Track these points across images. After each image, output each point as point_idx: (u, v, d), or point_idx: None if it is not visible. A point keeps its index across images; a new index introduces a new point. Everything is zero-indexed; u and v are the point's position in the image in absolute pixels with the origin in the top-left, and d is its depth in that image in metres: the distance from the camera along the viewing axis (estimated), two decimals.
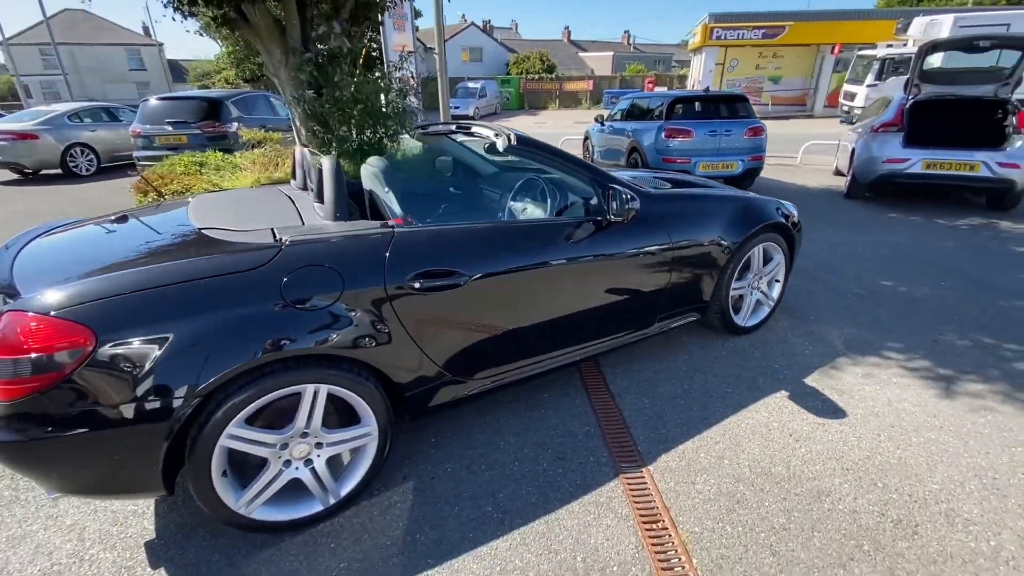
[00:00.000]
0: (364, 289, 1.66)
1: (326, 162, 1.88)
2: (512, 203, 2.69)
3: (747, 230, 2.67)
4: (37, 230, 2.04)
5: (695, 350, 2.83)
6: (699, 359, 2.74)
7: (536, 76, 29.44)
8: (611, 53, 43.63)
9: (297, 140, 6.25)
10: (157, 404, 1.40)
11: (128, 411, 1.39)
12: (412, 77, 5.90)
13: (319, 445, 1.70)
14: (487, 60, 35.58)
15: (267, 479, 1.63)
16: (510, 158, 3.37)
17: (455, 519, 1.74)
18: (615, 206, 2.10)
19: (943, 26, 15.87)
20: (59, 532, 1.78)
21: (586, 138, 10.02)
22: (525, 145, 2.10)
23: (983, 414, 2.23)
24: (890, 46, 17.97)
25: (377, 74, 5.82)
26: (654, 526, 1.68)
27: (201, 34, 6.63)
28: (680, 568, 1.53)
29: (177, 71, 36.11)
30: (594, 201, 2.30)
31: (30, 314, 1.34)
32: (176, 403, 1.41)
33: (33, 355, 1.32)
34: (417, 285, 1.74)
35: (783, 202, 3.00)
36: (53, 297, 1.38)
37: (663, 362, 2.72)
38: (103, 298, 1.39)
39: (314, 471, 1.71)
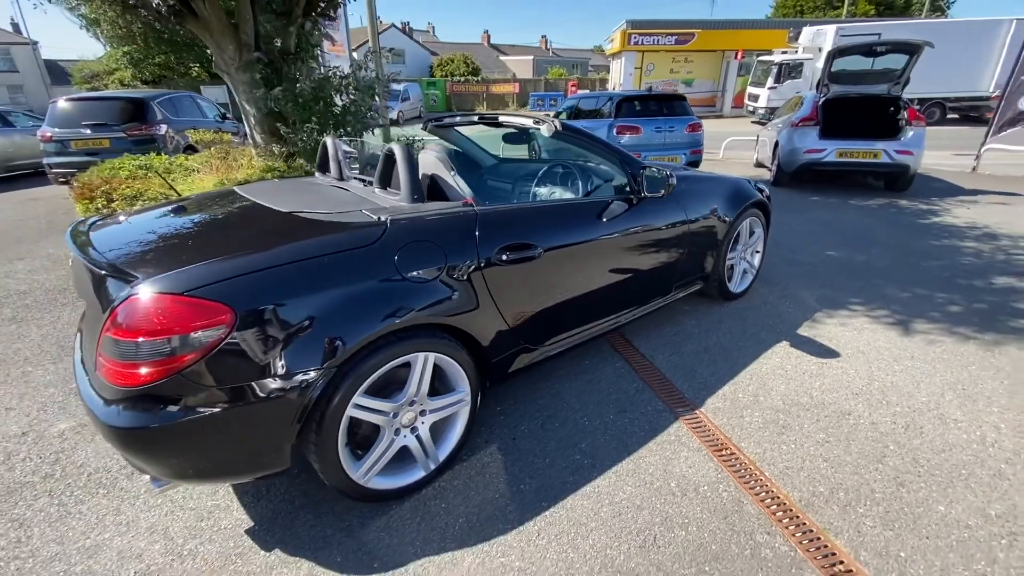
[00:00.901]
0: (462, 262, 1.79)
1: (398, 148, 1.97)
2: (537, 188, 2.89)
3: (739, 207, 3.07)
4: (83, 224, 1.95)
5: (698, 316, 3.19)
6: (705, 323, 3.10)
7: (462, 79, 29.64)
8: (531, 57, 44.86)
9: (251, 141, 6.00)
10: (296, 378, 1.45)
11: (268, 386, 1.42)
12: (380, 77, 5.87)
13: (423, 412, 1.80)
14: (409, 62, 35.23)
15: (382, 448, 1.71)
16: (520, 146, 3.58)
17: (549, 468, 1.91)
18: (654, 184, 2.37)
19: (827, 35, 18.21)
20: (139, 535, 1.72)
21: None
22: (568, 131, 2.32)
23: (937, 345, 2.77)
24: (784, 53, 20.21)
25: (333, 72, 5.74)
26: (723, 452, 1.96)
27: (88, 30, 5.84)
28: (756, 481, 1.81)
29: (57, 72, 32.12)
30: (616, 182, 2.54)
31: (168, 295, 1.34)
32: (313, 375, 1.47)
33: (173, 336, 1.32)
34: (504, 257, 1.89)
35: (758, 182, 3.46)
36: (186, 277, 1.38)
37: (677, 327, 3.04)
38: (237, 276, 1.41)
39: (419, 438, 1.80)
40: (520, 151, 3.85)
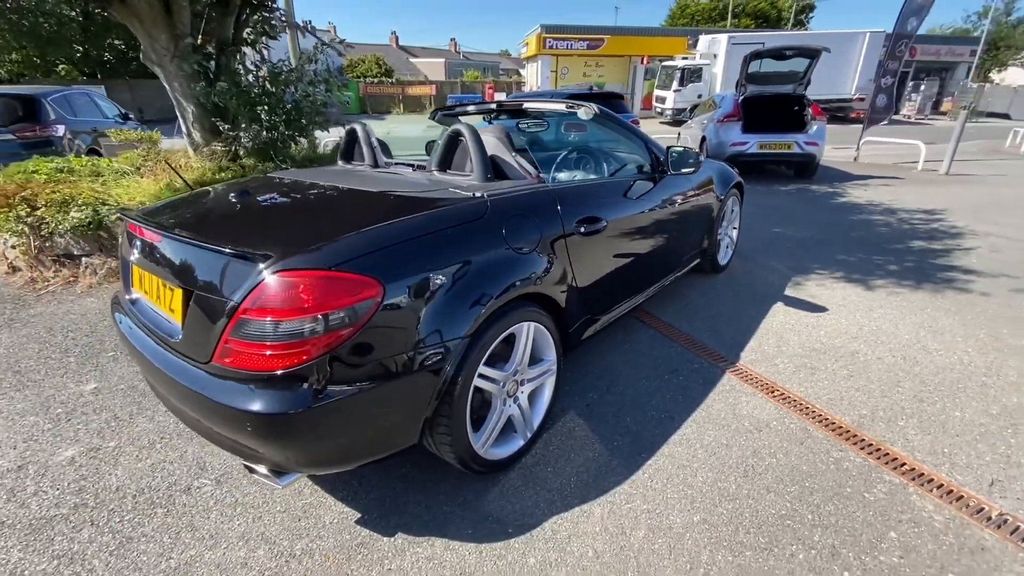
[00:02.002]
0: (552, 234, 1.88)
1: (467, 129, 2.01)
2: (558, 172, 3.02)
3: (727, 186, 3.44)
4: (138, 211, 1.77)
5: (699, 289, 3.51)
6: (708, 294, 3.42)
7: (376, 80, 28.90)
8: (443, 60, 44.82)
9: (188, 139, 5.50)
10: (438, 349, 1.46)
11: (413, 359, 1.42)
12: (331, 73, 5.64)
13: (521, 382, 1.86)
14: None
15: (496, 417, 1.75)
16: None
17: (634, 425, 2.06)
18: (684, 161, 2.60)
19: (721, 43, 20.26)
20: (233, 546, 1.61)
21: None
22: (603, 116, 2.49)
23: (896, 295, 3.32)
24: (685, 59, 22.14)
25: (279, 64, 5.45)
26: (775, 393, 2.23)
27: None
28: (811, 412, 2.10)
29: None
30: (636, 162, 2.76)
31: (318, 270, 1.29)
32: (452, 345, 1.48)
33: (327, 312, 1.28)
34: (582, 230, 2.01)
35: (731, 167, 3.87)
36: (331, 251, 1.34)
37: (684, 300, 3.33)
38: (377, 250, 1.39)
39: (519, 407, 1.86)
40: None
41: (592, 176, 2.90)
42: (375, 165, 2.44)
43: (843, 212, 5.82)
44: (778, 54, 7.77)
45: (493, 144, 2.16)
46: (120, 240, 1.93)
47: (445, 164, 2.11)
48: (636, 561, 1.48)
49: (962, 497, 1.65)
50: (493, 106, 3.00)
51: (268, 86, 5.20)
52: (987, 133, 15.64)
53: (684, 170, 2.64)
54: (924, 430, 1.97)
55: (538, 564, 1.49)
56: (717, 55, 20.71)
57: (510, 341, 1.76)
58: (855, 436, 1.95)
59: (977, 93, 23.53)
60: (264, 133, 5.22)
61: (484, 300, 1.56)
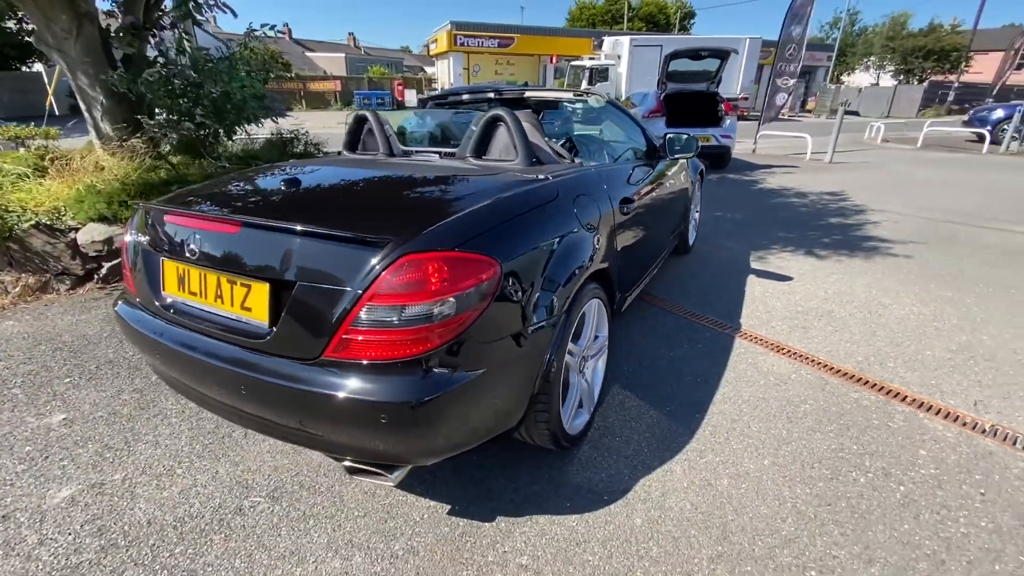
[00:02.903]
0: (606, 213, 1.96)
1: (507, 114, 2.02)
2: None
3: (695, 172, 3.75)
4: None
5: (676, 268, 3.79)
6: (686, 272, 3.71)
7: (273, 75, 26.94)
8: (342, 55, 42.93)
9: (95, 135, 4.82)
10: (542, 327, 1.48)
11: (526, 338, 1.43)
12: (273, 58, 5.21)
13: (586, 357, 1.92)
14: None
15: (574, 393, 1.80)
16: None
17: (678, 390, 2.21)
18: (687, 146, 2.80)
19: (624, 44, 21.55)
20: (323, 559, 1.51)
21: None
22: (612, 105, 2.63)
23: (840, 263, 3.84)
24: (592, 59, 23.26)
25: (206, 52, 4.96)
26: (783, 351, 2.51)
27: None
28: (819, 363, 2.40)
29: None
30: (633, 148, 2.94)
31: (446, 252, 1.26)
32: (553, 323, 1.52)
33: (457, 294, 1.25)
34: (624, 210, 2.12)
35: None
36: (453, 232, 1.31)
37: (669, 279, 3.58)
38: (489, 229, 1.38)
39: (586, 381, 1.92)
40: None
41: (604, 160, 3.03)
42: (391, 154, 2.36)
43: (765, 196, 6.53)
44: (694, 54, 8.48)
45: (528, 130, 2.19)
46: (131, 239, 1.70)
47: (481, 150, 2.11)
48: (731, 506, 1.62)
49: (959, 417, 2.00)
50: (491, 95, 3.00)
51: (195, 74, 4.71)
52: (846, 128, 18.23)
53: (685, 155, 2.85)
54: (910, 368, 2.35)
55: (645, 523, 1.57)
56: (621, 56, 21.99)
57: (579, 318, 1.81)
58: (861, 379, 2.26)
59: (835, 93, 27.34)
60: (191, 126, 4.73)
61: (574, 278, 1.61)
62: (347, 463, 1.43)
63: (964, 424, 1.96)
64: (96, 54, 4.39)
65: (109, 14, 4.79)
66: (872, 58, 36.36)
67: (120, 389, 2.36)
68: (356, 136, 2.46)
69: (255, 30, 5.09)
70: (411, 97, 31.31)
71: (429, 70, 45.68)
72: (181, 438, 2.03)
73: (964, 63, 26.10)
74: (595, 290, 1.86)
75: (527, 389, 1.51)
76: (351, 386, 1.24)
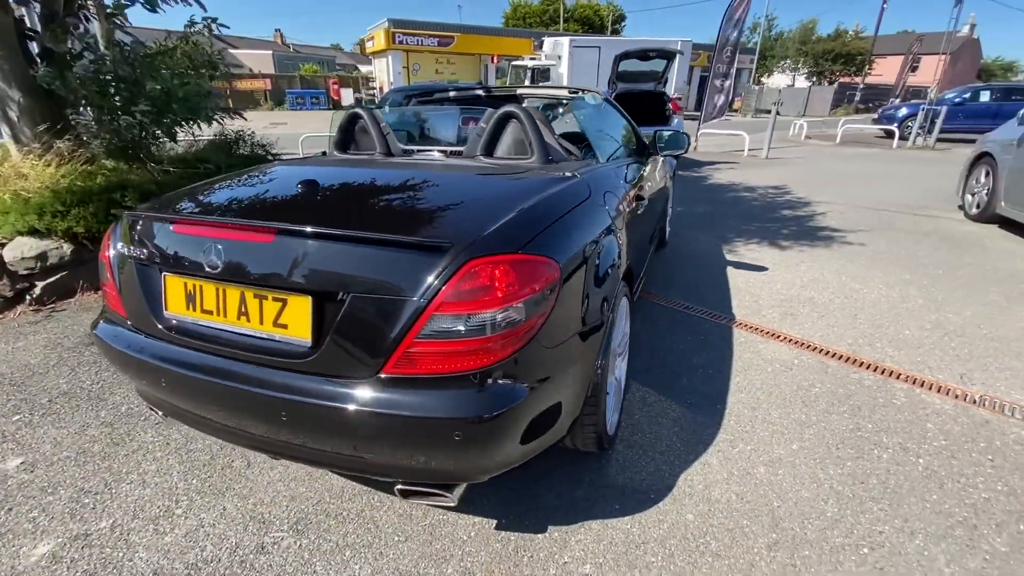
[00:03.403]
0: (623, 209, 1.95)
1: (522, 111, 1.96)
2: None
3: (672, 168, 3.85)
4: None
5: (653, 263, 3.86)
6: (665, 266, 3.80)
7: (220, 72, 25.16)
8: (269, 52, 40.83)
9: (11, 137, 4.26)
10: (595, 328, 1.45)
11: (582, 341, 1.39)
12: (213, 57, 4.79)
13: (615, 356, 1.91)
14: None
15: (612, 393, 1.77)
16: None
17: (694, 383, 2.25)
18: (676, 142, 2.85)
19: (564, 45, 21.93)
20: None
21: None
22: (607, 102, 2.63)
23: (804, 252, 4.08)
24: (533, 59, 23.50)
25: (143, 46, 4.52)
26: (780, 337, 2.63)
27: None
28: (815, 348, 2.52)
29: None
30: (627, 143, 2.98)
31: (512, 255, 1.19)
32: (601, 323, 1.48)
33: (527, 298, 1.19)
34: (635, 204, 2.12)
35: None
36: (513, 235, 1.24)
37: (652, 272, 3.64)
38: (544, 229, 1.32)
39: (616, 379, 1.91)
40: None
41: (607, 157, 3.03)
42: (388, 154, 2.23)
43: (718, 191, 6.85)
44: (643, 55, 8.76)
45: (542, 127, 2.14)
46: (114, 253, 1.50)
47: (492, 148, 2.04)
48: (773, 492, 1.65)
49: (950, 390, 2.17)
50: (480, 92, 2.92)
51: (131, 69, 4.27)
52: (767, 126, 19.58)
53: (675, 151, 2.91)
54: (896, 347, 2.52)
55: (696, 518, 1.58)
56: (561, 56, 22.36)
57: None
58: (856, 360, 2.40)
59: (758, 94, 29.25)
60: (134, 125, 4.29)
61: (614, 275, 1.59)
62: (400, 487, 1.32)
63: (957, 396, 2.13)
64: (10, 47, 3.88)
65: (21, 2, 4.25)
66: (788, 61, 39.26)
67: (84, 424, 2.09)
68: (348, 135, 2.31)
69: (196, 23, 4.70)
70: (348, 96, 30.31)
71: (364, 68, 44.41)
72: (172, 474, 1.82)
73: (867, 66, 28.76)
74: (624, 287, 1.85)
75: (582, 394, 1.47)
76: (420, 403, 1.15)
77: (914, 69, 28.17)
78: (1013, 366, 2.37)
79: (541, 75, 22.25)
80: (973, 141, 4.85)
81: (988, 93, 14.54)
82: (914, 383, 2.23)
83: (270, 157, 5.45)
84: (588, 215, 1.58)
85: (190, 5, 4.37)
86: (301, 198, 1.51)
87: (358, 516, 1.63)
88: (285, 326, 1.25)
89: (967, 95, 14.56)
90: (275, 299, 1.25)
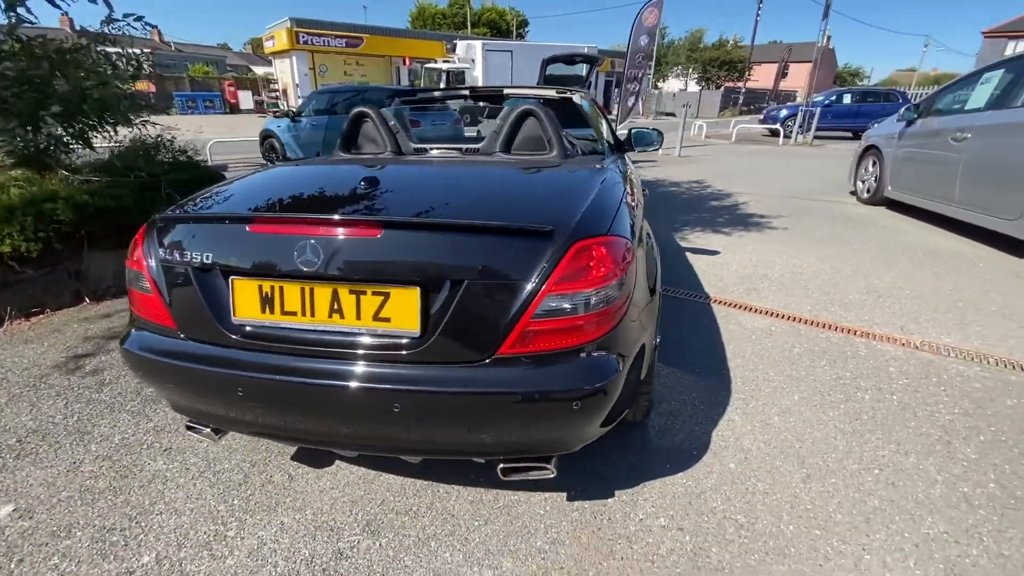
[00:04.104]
0: (639, 196, 2.13)
1: (539, 109, 2.07)
2: None
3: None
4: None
5: None
6: None
7: (146, 71, 22.15)
8: (148, 51, 36.89)
9: None
10: (652, 303, 1.60)
11: (650, 315, 1.55)
12: (135, 56, 4.31)
13: None
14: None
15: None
16: None
17: (697, 357, 2.49)
18: (646, 139, 3.08)
19: (477, 48, 22.16)
20: (468, 572, 1.47)
21: (267, 136, 9.29)
22: (592, 101, 2.81)
23: (744, 236, 4.57)
24: (447, 62, 23.48)
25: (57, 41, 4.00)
26: (753, 310, 2.97)
27: None
28: (786, 316, 2.88)
29: None
30: (608, 141, 3.19)
31: (606, 236, 1.30)
32: (656, 295, 1.65)
33: (621, 276, 1.31)
34: (639, 193, 2.32)
35: None
36: (599, 217, 1.36)
37: None
38: (615, 214, 1.45)
39: None
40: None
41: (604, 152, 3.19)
42: (399, 153, 2.24)
43: (649, 187, 7.38)
44: (568, 59, 9.17)
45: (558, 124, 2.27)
46: (155, 261, 1.40)
47: (510, 145, 2.13)
48: (792, 436, 1.91)
49: (897, 339, 2.61)
50: (466, 92, 2.97)
51: (43, 66, 3.77)
52: (673, 127, 21.27)
53: (649, 148, 3.16)
54: (846, 310, 2.96)
55: (738, 466, 1.79)
56: (475, 59, 22.57)
57: None
58: (819, 323, 2.80)
59: (657, 97, 31.52)
60: (31, 131, 3.80)
61: (652, 256, 1.76)
62: (502, 466, 1.39)
63: (903, 344, 2.57)
64: None
65: None
66: (679, 67, 42.76)
67: (75, 461, 1.89)
68: (354, 135, 2.27)
69: (115, 20, 4.24)
70: (247, 99, 28.25)
71: (261, 70, 41.63)
72: (206, 498, 1.71)
73: (747, 72, 32.19)
74: None
75: (648, 364, 1.62)
76: (542, 378, 1.23)
77: (784, 75, 31.99)
78: (935, 317, 2.89)
79: (456, 78, 22.32)
80: (841, 138, 5.77)
81: (849, 96, 16.95)
82: (869, 337, 2.65)
83: (204, 165, 5.06)
84: (628, 203, 1.73)
85: (95, 3, 3.94)
86: (376, 193, 1.51)
87: (429, 509, 1.65)
88: (388, 319, 1.27)
89: (833, 98, 16.85)
90: (375, 293, 1.26)
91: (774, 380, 2.27)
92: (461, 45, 23.21)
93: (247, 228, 1.30)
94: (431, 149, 2.35)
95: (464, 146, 2.39)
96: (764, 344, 2.58)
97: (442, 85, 22.12)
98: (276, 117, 9.18)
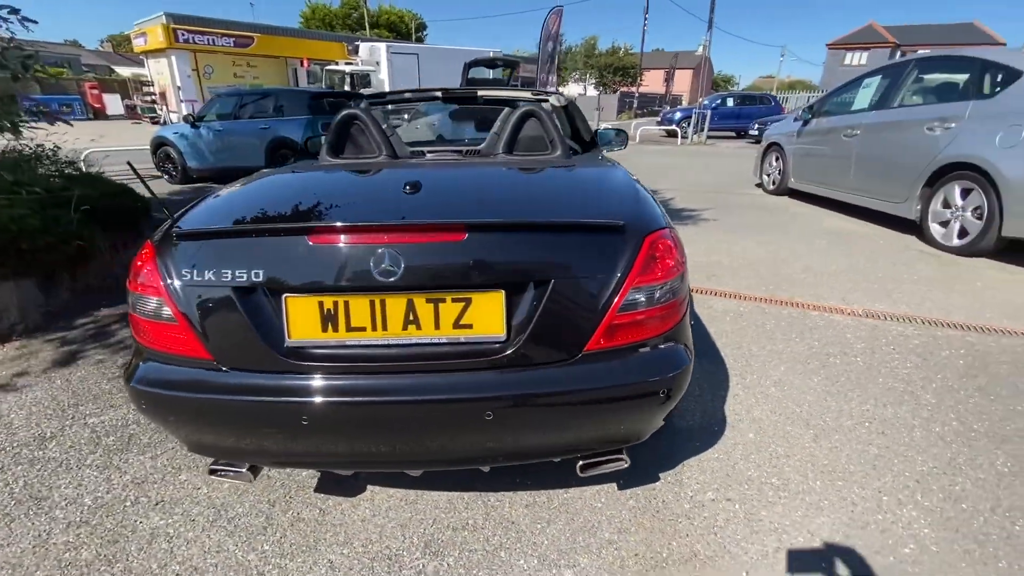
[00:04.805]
0: None
1: (542, 111, 2.10)
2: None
3: None
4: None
5: None
6: None
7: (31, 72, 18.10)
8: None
9: None
10: (687, 291, 1.70)
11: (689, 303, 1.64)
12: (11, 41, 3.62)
13: None
14: None
15: None
16: None
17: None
18: (617, 139, 3.21)
19: (381, 51, 21.59)
20: (544, 570, 1.47)
21: (160, 144, 8.34)
22: (564, 105, 2.89)
23: (684, 227, 4.93)
24: (349, 64, 22.58)
25: None
26: (718, 294, 3.22)
27: None
28: (749, 298, 3.16)
29: None
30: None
31: (667, 229, 1.36)
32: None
33: (684, 267, 1.38)
34: None
35: None
36: (652, 211, 1.41)
37: None
38: (659, 209, 1.52)
39: None
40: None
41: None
42: (394, 156, 2.15)
43: None
44: (490, 63, 9.27)
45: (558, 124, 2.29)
46: (188, 281, 1.24)
47: (511, 146, 2.13)
48: (790, 402, 2.12)
49: (843, 310, 2.98)
50: (438, 94, 2.90)
51: None
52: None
53: (615, 148, 3.29)
54: (794, 287, 3.32)
55: (756, 435, 1.94)
56: (380, 62, 21.97)
57: None
58: (778, 300, 3.12)
59: None
60: None
61: None
62: (581, 463, 1.40)
63: (850, 314, 2.94)
64: None
65: None
66: (577, 72, 44.82)
67: (41, 533, 1.61)
68: (343, 138, 2.14)
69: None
70: (115, 104, 25.08)
71: (126, 71, 37.16)
72: (229, 549, 1.54)
73: (639, 78, 34.54)
74: None
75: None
76: (631, 372, 1.26)
77: (669, 81, 34.86)
78: (864, 287, 3.35)
79: (361, 81, 21.53)
80: (726, 137, 6.44)
81: (732, 100, 18.90)
82: (821, 309, 3.00)
83: (107, 178, 4.47)
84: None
85: None
86: (429, 197, 1.44)
87: (487, 520, 1.61)
88: (470, 326, 1.23)
89: (718, 101, 18.68)
90: (456, 300, 1.22)
91: (759, 355, 2.49)
92: (364, 47, 22.48)
93: (307, 240, 1.19)
94: (427, 152, 2.28)
95: (464, 148, 2.35)
96: (740, 323, 2.82)
97: (346, 88, 21.28)
98: (156, 124, 8.29)
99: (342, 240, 1.18)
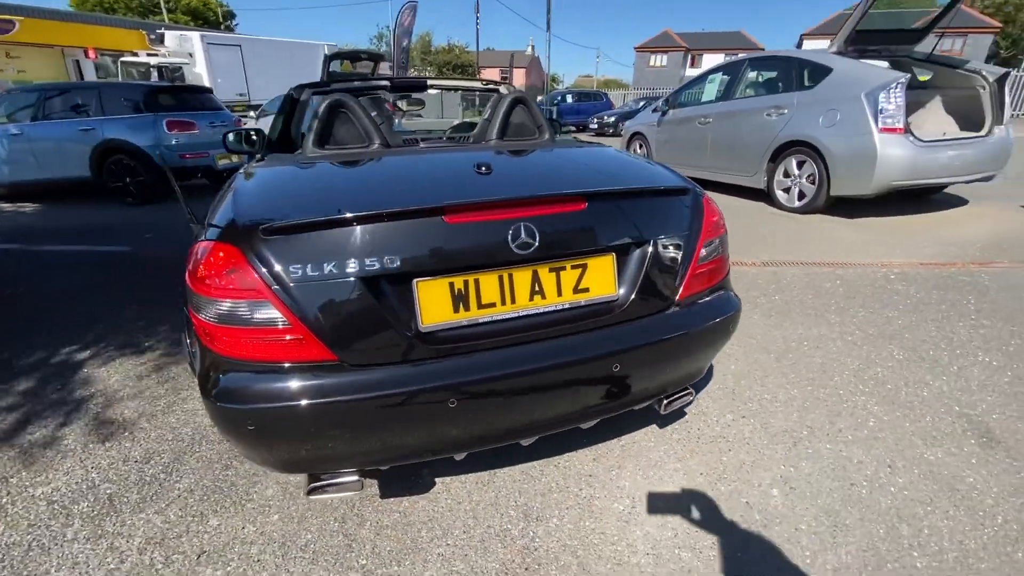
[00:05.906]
0: None
1: (528, 98, 2.22)
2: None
3: None
4: None
5: None
6: None
7: None
8: None
9: None
10: None
11: None
12: None
13: None
14: None
15: None
16: None
17: None
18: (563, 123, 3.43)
19: (194, 41, 18.95)
20: (622, 549, 1.67)
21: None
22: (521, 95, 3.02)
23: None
24: (153, 55, 19.35)
25: None
26: None
27: None
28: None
29: None
30: None
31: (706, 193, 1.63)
32: None
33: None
34: None
35: None
36: (684, 179, 1.65)
37: None
38: None
39: None
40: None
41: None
42: (386, 144, 2.09)
43: None
44: (354, 57, 8.86)
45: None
46: (303, 275, 1.14)
47: (503, 132, 2.23)
48: (786, 362, 2.51)
49: (748, 263, 3.63)
50: (385, 83, 2.79)
51: None
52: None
53: (566, 131, 3.52)
54: (753, 255, 3.93)
55: (745, 355, 2.36)
56: (194, 54, 19.29)
57: None
58: (744, 263, 3.65)
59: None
60: None
61: None
62: (665, 401, 1.60)
63: (753, 264, 3.61)
64: None
65: None
66: (415, 68, 44.44)
67: None
68: (328, 128, 2.01)
69: None
70: None
71: None
72: (343, 571, 1.43)
73: (477, 75, 35.71)
74: None
75: None
76: (713, 312, 1.51)
77: (505, 79, 36.71)
78: (770, 248, 4.08)
79: (172, 75, 18.62)
80: (573, 130, 7.19)
81: (571, 96, 20.65)
82: (735, 264, 3.61)
83: None
84: None
85: None
86: (508, 175, 1.49)
87: (565, 479, 1.72)
88: (587, 289, 1.35)
89: (558, 98, 20.27)
90: (574, 267, 1.33)
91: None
92: (172, 36, 19.52)
93: (443, 219, 1.19)
94: (419, 141, 2.24)
95: (456, 135, 2.35)
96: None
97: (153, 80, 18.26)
98: None
99: (480, 217, 1.21)
